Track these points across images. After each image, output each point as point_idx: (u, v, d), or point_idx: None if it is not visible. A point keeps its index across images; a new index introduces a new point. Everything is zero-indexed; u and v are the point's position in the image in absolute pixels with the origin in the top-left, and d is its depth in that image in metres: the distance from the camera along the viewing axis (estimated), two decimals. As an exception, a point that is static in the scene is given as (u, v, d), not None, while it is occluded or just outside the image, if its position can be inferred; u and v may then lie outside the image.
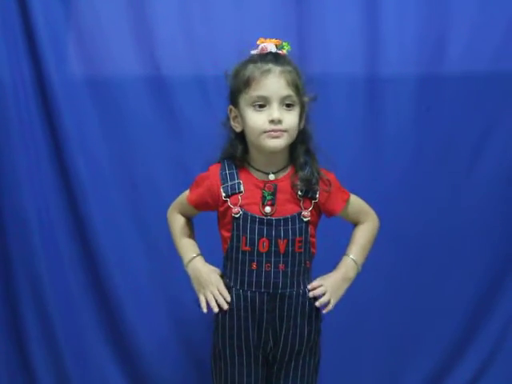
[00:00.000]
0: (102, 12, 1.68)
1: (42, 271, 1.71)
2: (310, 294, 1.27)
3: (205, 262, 1.33)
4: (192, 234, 1.37)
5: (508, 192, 1.77)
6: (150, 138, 1.71)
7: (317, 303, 1.28)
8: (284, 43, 1.26)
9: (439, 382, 1.82)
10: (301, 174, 1.25)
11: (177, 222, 1.37)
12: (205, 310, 1.28)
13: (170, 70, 1.69)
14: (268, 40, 1.25)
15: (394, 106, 1.72)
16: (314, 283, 1.28)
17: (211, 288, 1.28)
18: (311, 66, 1.69)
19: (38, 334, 1.74)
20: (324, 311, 1.29)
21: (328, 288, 1.29)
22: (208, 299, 1.27)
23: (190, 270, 1.32)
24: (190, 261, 1.32)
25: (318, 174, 1.27)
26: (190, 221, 1.39)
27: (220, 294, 1.27)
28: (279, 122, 1.19)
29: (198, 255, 1.33)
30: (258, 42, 1.26)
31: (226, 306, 1.26)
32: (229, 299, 1.26)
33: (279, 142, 1.21)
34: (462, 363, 1.82)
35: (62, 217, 1.73)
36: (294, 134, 1.24)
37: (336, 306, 1.66)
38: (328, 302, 1.29)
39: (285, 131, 1.21)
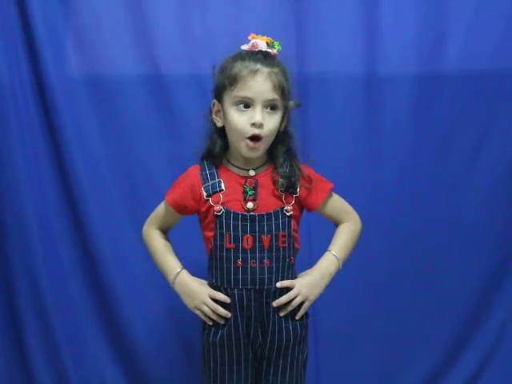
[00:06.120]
0: (101, 12, 1.68)
1: (40, 271, 1.71)
2: (274, 304, 1.26)
3: (190, 276, 1.32)
4: (171, 247, 1.37)
5: (508, 189, 1.77)
6: (149, 137, 1.71)
7: (281, 313, 1.27)
8: (275, 42, 1.26)
9: (437, 381, 1.82)
10: (281, 171, 1.26)
11: (155, 238, 1.36)
12: (210, 322, 1.29)
13: (169, 69, 1.69)
14: (259, 36, 1.26)
15: (392, 105, 1.72)
16: (285, 282, 1.27)
17: (205, 301, 1.27)
18: (310, 65, 1.69)
19: (36, 334, 1.74)
20: (297, 317, 1.29)
21: (302, 289, 1.28)
22: (207, 314, 1.28)
23: (176, 285, 1.32)
24: (176, 276, 1.31)
25: (299, 170, 1.28)
26: (167, 235, 1.39)
27: (216, 302, 1.26)
28: (261, 125, 1.20)
29: (181, 269, 1.32)
30: (249, 37, 1.26)
31: (229, 315, 1.26)
32: (227, 300, 1.26)
33: (255, 152, 1.24)
34: (460, 363, 1.82)
35: (61, 217, 1.73)
36: (272, 138, 1.25)
37: (334, 304, 1.69)
38: (299, 306, 1.29)
39: (263, 137, 1.22)
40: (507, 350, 1.82)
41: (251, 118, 1.20)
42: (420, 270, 1.78)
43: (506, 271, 1.81)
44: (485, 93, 1.73)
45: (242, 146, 1.23)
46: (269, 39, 1.26)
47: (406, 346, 1.81)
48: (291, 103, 1.27)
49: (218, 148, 1.28)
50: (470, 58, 1.72)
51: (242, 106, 1.21)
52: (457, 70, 1.72)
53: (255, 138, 1.22)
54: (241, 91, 1.20)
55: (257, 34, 1.26)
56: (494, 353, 1.82)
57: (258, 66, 1.21)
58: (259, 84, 1.20)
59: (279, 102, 1.22)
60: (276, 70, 1.22)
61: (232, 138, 1.25)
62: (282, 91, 1.22)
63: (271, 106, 1.22)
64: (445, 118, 1.74)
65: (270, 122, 1.22)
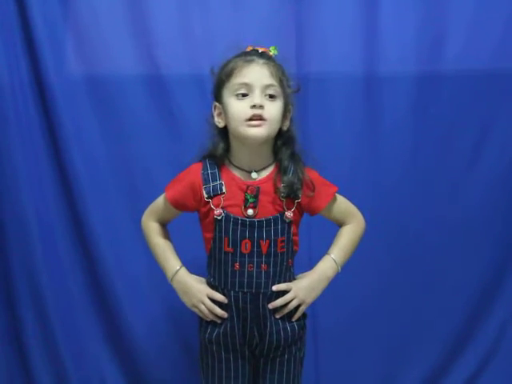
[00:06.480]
0: (100, 11, 1.68)
1: (40, 272, 1.71)
2: (270, 306, 1.26)
3: (189, 274, 1.32)
4: (171, 243, 1.36)
5: (508, 189, 1.77)
6: (149, 136, 1.71)
7: (277, 315, 1.27)
8: (271, 47, 1.27)
9: (437, 381, 1.82)
10: (285, 178, 1.25)
11: (154, 232, 1.36)
12: (208, 319, 1.29)
13: (169, 69, 1.69)
14: (257, 47, 1.27)
15: (392, 105, 1.72)
16: (281, 285, 1.27)
17: (203, 300, 1.28)
18: (309, 65, 1.69)
19: (36, 334, 1.74)
20: (293, 319, 1.29)
21: (299, 292, 1.28)
22: (204, 313, 1.28)
23: (175, 283, 1.32)
24: (175, 274, 1.31)
25: (303, 176, 1.27)
26: (166, 228, 1.38)
27: (213, 302, 1.27)
28: (261, 107, 1.19)
29: (181, 267, 1.32)
30: (247, 49, 1.27)
31: (225, 315, 1.27)
32: (225, 300, 1.26)
33: (260, 131, 1.20)
34: (460, 363, 1.82)
35: (61, 217, 1.73)
36: (276, 126, 1.24)
37: (334, 305, 1.69)
38: (297, 308, 1.29)
39: (266, 120, 1.20)
40: (507, 350, 1.82)
41: (251, 102, 1.20)
42: (420, 269, 1.78)
43: (506, 271, 1.80)
44: (484, 93, 1.73)
45: (244, 129, 1.21)
46: (265, 49, 1.27)
47: (406, 346, 1.81)
48: (290, 90, 1.26)
49: (220, 150, 1.27)
50: (469, 57, 1.71)
51: (240, 94, 1.21)
52: (456, 69, 1.71)
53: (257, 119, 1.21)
54: (238, 79, 1.21)
55: (254, 46, 1.27)
56: (493, 353, 1.82)
57: (254, 57, 1.23)
58: (255, 70, 1.21)
59: (278, 90, 1.22)
60: (272, 63, 1.23)
61: (233, 127, 1.23)
62: (280, 80, 1.22)
63: (270, 95, 1.22)
64: (444, 118, 1.74)
65: (272, 107, 1.21)
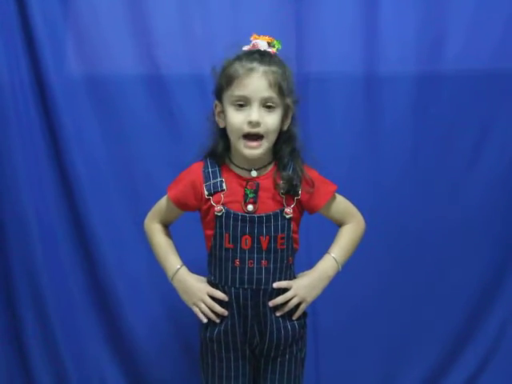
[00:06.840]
0: (101, 11, 1.68)
1: (40, 272, 1.71)
2: (270, 304, 1.26)
3: (190, 273, 1.33)
4: (173, 244, 1.37)
5: (508, 189, 1.77)
6: (149, 137, 1.71)
7: (277, 313, 1.27)
8: (275, 41, 1.27)
9: (437, 381, 1.82)
10: (284, 174, 1.26)
11: (156, 232, 1.37)
12: (205, 320, 1.29)
13: (169, 69, 1.69)
14: (261, 37, 1.26)
15: (392, 105, 1.72)
16: (282, 283, 1.27)
17: (203, 298, 1.28)
18: (310, 65, 1.69)
19: (36, 334, 1.74)
20: (293, 317, 1.30)
21: (299, 290, 1.28)
22: (204, 312, 1.28)
23: (175, 282, 1.32)
24: (175, 273, 1.32)
25: (302, 173, 1.27)
26: (168, 229, 1.39)
27: (214, 300, 1.27)
28: (257, 124, 1.20)
29: (181, 266, 1.33)
30: (251, 38, 1.27)
31: (225, 313, 1.27)
32: (225, 298, 1.26)
33: (256, 152, 1.23)
34: (460, 363, 1.82)
35: (61, 217, 1.73)
36: (273, 137, 1.25)
37: (334, 304, 1.69)
38: (297, 307, 1.29)
39: (262, 136, 1.21)
40: (507, 350, 1.82)
41: (248, 116, 1.20)
42: (420, 269, 1.78)
43: (506, 271, 1.80)
44: (484, 93, 1.73)
45: (241, 146, 1.23)
46: (270, 39, 1.26)
47: (406, 346, 1.81)
48: (290, 100, 1.25)
49: (220, 149, 1.28)
50: (469, 57, 1.71)
51: (238, 105, 1.21)
52: (456, 69, 1.72)
53: (252, 137, 1.22)
54: (237, 90, 1.21)
55: (259, 35, 1.27)
56: (493, 353, 1.82)
57: (254, 64, 1.21)
58: (254, 82, 1.20)
59: (277, 101, 1.22)
60: (273, 68, 1.21)
61: (231, 137, 1.25)
62: (280, 89, 1.21)
63: (268, 105, 1.21)
64: (444, 118, 1.74)
65: (269, 120, 1.22)
